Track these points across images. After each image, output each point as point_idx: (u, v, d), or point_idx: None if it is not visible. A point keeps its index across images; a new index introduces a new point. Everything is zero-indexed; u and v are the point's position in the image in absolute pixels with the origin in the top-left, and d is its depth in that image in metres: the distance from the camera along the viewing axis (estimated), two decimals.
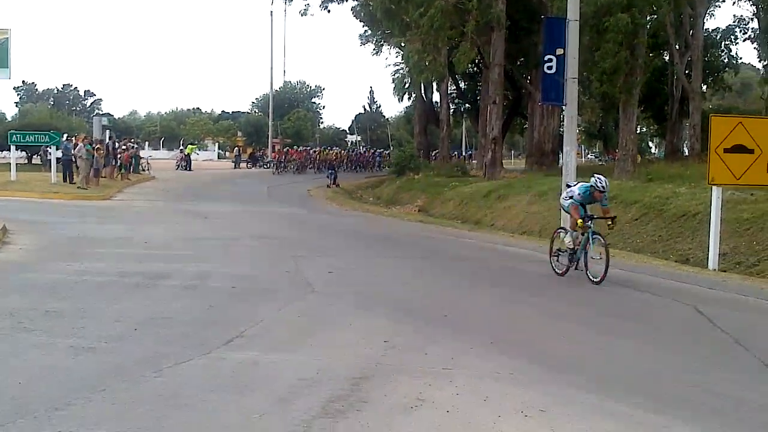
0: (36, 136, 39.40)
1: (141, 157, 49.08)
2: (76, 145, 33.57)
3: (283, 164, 56.11)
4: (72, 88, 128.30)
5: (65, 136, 36.95)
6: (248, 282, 12.35)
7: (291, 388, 6.75)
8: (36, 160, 47.24)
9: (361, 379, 7.09)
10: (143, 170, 46.58)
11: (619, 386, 7.16)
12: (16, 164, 37.14)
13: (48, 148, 37.41)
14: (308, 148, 67.92)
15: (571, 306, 11.60)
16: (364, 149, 67.93)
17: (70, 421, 5.81)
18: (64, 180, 33.57)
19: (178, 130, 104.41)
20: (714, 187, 15.06)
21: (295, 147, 66.39)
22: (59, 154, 34.84)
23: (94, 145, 34.95)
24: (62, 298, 10.52)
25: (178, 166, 55.99)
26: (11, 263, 13.47)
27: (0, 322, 9.03)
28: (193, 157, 58.95)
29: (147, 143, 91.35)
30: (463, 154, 69.24)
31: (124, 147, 43.08)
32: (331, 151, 63.39)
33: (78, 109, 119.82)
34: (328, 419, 6.02)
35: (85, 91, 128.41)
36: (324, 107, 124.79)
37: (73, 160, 33.52)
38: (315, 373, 7.21)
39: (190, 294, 11.19)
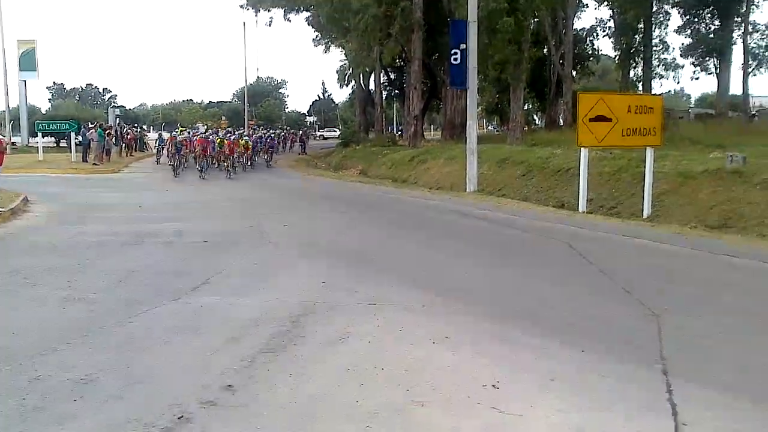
0: (58, 124, 38.16)
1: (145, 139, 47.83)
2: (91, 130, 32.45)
3: (180, 161, 28.38)
4: (93, 87, 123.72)
5: (89, 124, 35.68)
6: (217, 237, 11.58)
7: (241, 328, 6.18)
8: (63, 143, 45.69)
9: (300, 316, 6.54)
10: (146, 150, 45.32)
11: (509, 314, 6.72)
12: (45, 147, 35.92)
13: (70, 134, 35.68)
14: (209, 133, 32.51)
15: (470, 246, 11.12)
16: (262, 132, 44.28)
17: (50, 366, 5.20)
18: (83, 159, 32.28)
19: (176, 117, 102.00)
20: (582, 149, 14.78)
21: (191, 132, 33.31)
22: (79, 138, 33.46)
23: (105, 130, 33.78)
24: (62, 255, 9.74)
25: None
26: (27, 228, 12.62)
27: (6, 278, 8.31)
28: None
29: (151, 128, 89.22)
30: (393, 129, 68.30)
31: (128, 131, 41.96)
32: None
33: (98, 103, 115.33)
34: (269, 353, 5.49)
35: (104, 89, 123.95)
36: (288, 96, 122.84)
37: (89, 143, 32.23)
38: (263, 313, 6.65)
39: (169, 249, 10.45)
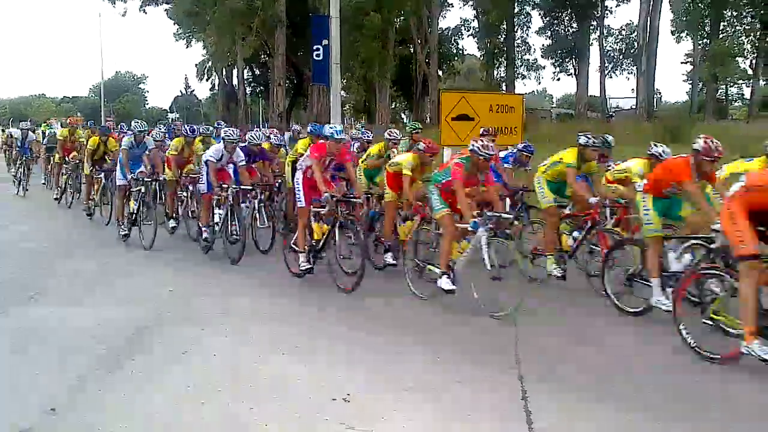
0: None
1: None
2: None
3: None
4: None
5: None
6: (60, 242, 10.77)
7: (74, 342, 5.70)
8: None
9: (143, 328, 6.11)
10: None
11: (366, 318, 6.60)
12: None
13: None
14: None
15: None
16: None
17: None
18: None
19: (26, 112, 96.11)
20: (445, 148, 14.92)
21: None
22: None
23: None
24: None
25: None
26: None
27: None
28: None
29: None
30: (259, 126, 67.42)
31: None
32: None
33: None
34: (102, 371, 5.04)
35: None
36: (149, 92, 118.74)
37: None
38: (100, 325, 6.15)
39: (1, 257, 9.58)
